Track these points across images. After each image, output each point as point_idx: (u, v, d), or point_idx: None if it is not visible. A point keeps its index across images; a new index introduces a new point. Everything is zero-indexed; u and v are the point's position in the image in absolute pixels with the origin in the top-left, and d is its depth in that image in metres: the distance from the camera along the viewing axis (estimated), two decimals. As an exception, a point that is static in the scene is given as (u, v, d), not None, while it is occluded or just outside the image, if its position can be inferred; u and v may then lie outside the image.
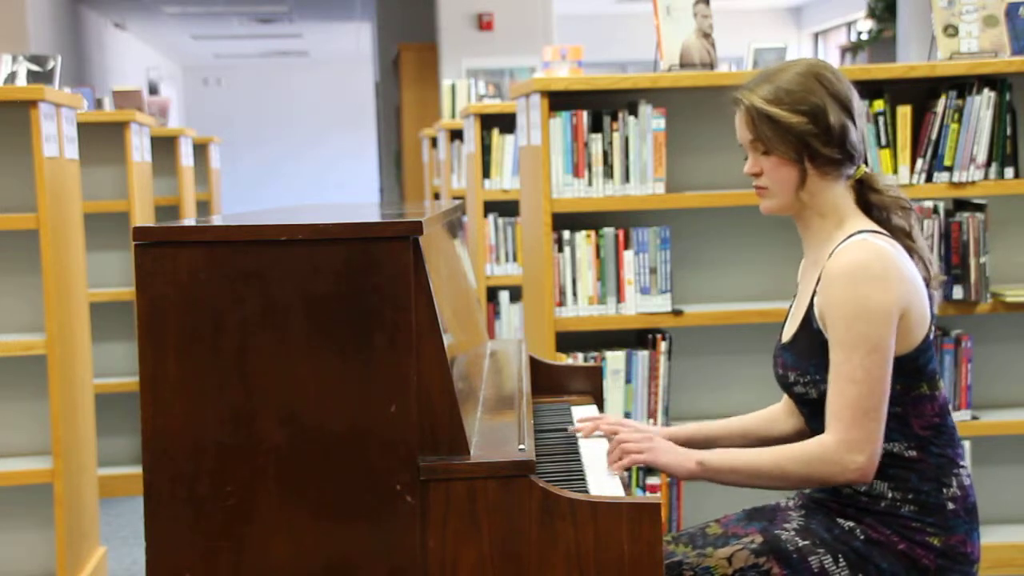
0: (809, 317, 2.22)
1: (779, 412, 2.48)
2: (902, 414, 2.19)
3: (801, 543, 2.21)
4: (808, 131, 2.18)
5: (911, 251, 2.22)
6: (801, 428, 2.45)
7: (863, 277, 2.11)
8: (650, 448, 2.19)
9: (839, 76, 2.24)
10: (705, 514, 3.27)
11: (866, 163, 2.30)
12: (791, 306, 2.40)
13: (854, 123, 2.22)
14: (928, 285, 2.23)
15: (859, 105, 2.25)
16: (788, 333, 2.31)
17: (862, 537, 2.19)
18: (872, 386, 2.10)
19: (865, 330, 2.10)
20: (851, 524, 2.21)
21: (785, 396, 2.45)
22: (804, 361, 2.23)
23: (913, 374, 2.19)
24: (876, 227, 2.23)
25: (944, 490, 2.19)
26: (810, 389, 2.23)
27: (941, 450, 2.20)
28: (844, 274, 2.13)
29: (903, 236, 2.23)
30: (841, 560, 2.18)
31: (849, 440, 2.10)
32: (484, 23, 11.01)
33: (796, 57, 2.41)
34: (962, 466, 2.23)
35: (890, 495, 2.19)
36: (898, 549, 2.17)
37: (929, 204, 3.67)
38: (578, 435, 2.47)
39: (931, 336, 2.21)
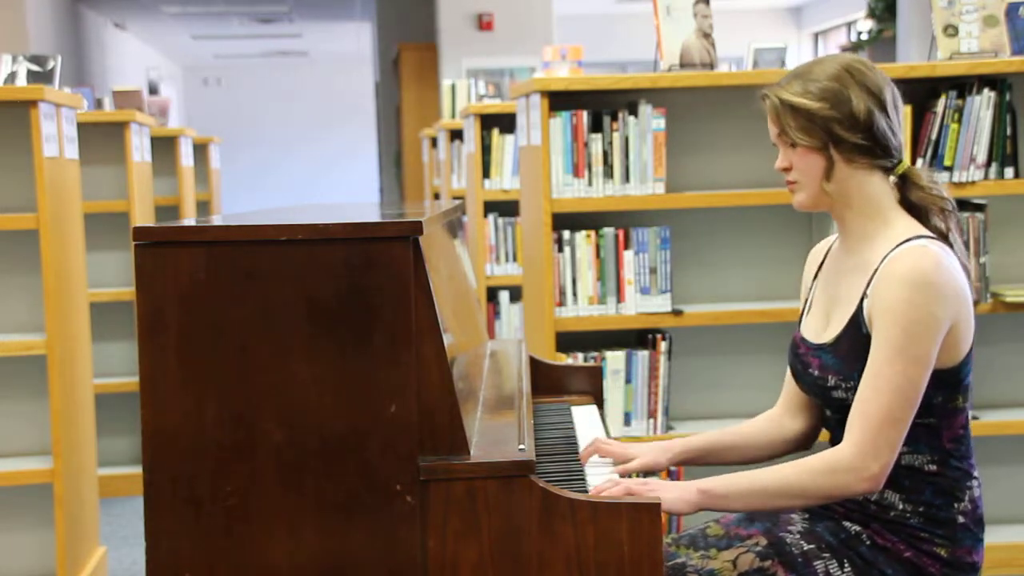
0: (858, 320, 2.14)
1: (778, 416, 2.40)
2: (936, 425, 2.14)
3: (806, 547, 2.18)
4: (830, 116, 2.13)
5: None
6: (806, 430, 2.38)
7: (922, 287, 2.04)
8: (650, 489, 2.08)
9: (872, 69, 2.18)
10: (706, 514, 3.26)
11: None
12: (809, 299, 2.33)
13: (885, 113, 2.16)
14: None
15: (894, 98, 2.19)
16: (828, 333, 2.22)
17: (868, 542, 2.17)
18: (908, 396, 2.04)
19: (916, 340, 2.04)
20: (857, 528, 2.18)
21: (782, 397, 2.39)
22: (849, 366, 2.15)
23: (953, 387, 2.14)
24: (929, 232, 2.15)
25: (956, 504, 2.15)
26: (851, 395, 2.14)
27: (959, 463, 2.16)
28: (902, 279, 2.05)
29: (941, 239, 2.16)
30: (847, 565, 2.16)
31: (869, 446, 2.03)
32: (484, 23, 11.01)
33: (798, 56, 2.37)
34: (975, 477, 2.19)
35: (900, 506, 2.16)
36: (904, 556, 2.15)
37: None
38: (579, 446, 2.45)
39: (972, 350, 2.15)
